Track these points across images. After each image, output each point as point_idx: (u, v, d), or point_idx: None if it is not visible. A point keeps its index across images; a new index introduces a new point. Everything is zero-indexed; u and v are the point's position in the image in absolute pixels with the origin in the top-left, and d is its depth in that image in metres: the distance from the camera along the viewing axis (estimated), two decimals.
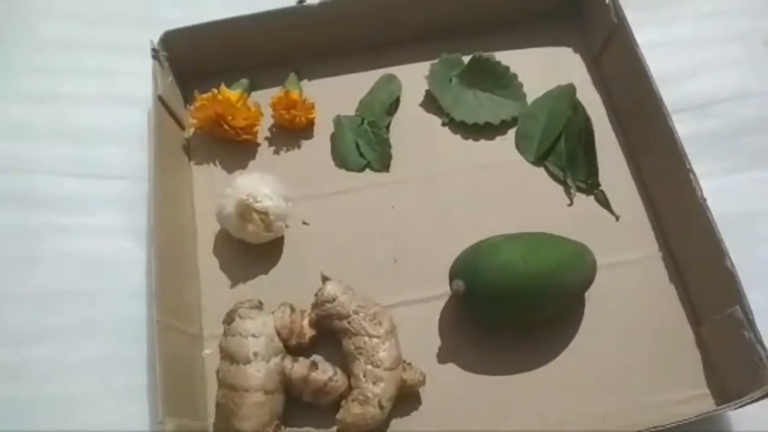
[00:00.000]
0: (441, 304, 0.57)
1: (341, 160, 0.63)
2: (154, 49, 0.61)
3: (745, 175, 0.63)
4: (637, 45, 0.60)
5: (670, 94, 0.58)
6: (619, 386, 0.53)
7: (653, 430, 0.46)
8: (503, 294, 0.50)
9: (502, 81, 0.65)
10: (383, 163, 0.63)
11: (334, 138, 0.64)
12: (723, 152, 0.63)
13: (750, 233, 0.59)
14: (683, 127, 0.56)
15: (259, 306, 0.54)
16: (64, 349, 0.56)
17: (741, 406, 0.48)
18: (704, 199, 0.53)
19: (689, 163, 0.54)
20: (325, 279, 0.55)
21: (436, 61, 0.66)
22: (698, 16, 0.71)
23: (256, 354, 0.50)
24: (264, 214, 0.56)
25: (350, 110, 0.65)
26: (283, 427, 0.51)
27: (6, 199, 0.62)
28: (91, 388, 0.54)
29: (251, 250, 0.59)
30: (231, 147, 0.64)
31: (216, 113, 0.61)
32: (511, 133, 0.64)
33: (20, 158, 0.63)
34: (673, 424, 0.47)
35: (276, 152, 0.65)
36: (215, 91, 0.61)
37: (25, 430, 0.53)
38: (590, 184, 0.61)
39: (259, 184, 0.56)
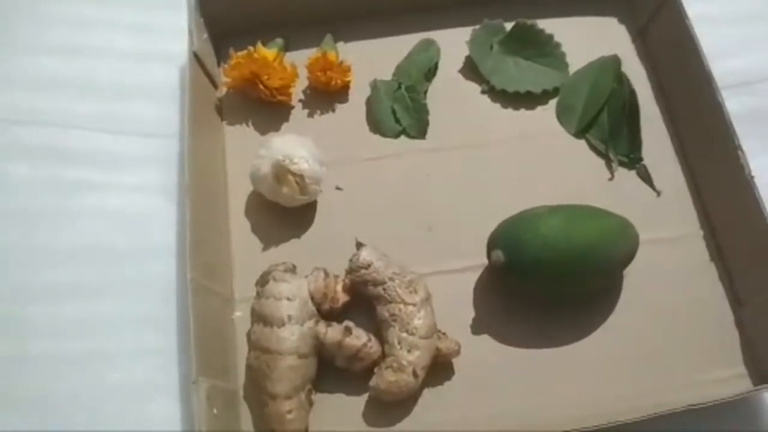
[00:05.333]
0: (476, 275, 0.56)
1: (376, 126, 0.62)
2: None
3: None
4: (687, 17, 0.58)
5: (713, 70, 0.56)
6: (655, 364, 0.52)
7: (689, 408, 0.46)
8: (544, 266, 0.49)
9: (545, 49, 0.63)
10: (420, 130, 0.62)
11: (369, 102, 0.63)
12: (766, 131, 0.61)
13: None
14: (726, 105, 0.55)
15: (293, 269, 0.53)
16: (95, 306, 0.55)
17: None
18: (752, 177, 0.52)
19: (738, 140, 0.53)
20: (359, 245, 0.54)
21: (476, 27, 0.64)
22: None
23: (290, 317, 0.49)
24: (299, 176, 0.54)
25: (387, 75, 0.64)
26: (314, 392, 0.50)
27: (40, 153, 0.61)
28: (122, 346, 0.54)
29: (284, 213, 0.57)
30: (264, 108, 0.62)
31: (251, 72, 0.60)
32: (553, 103, 0.63)
33: (53, 112, 0.62)
34: (710, 404, 0.46)
35: (310, 115, 0.63)
36: (251, 49, 0.60)
37: (54, 388, 0.52)
38: (632, 159, 0.60)
39: (296, 146, 0.55)
